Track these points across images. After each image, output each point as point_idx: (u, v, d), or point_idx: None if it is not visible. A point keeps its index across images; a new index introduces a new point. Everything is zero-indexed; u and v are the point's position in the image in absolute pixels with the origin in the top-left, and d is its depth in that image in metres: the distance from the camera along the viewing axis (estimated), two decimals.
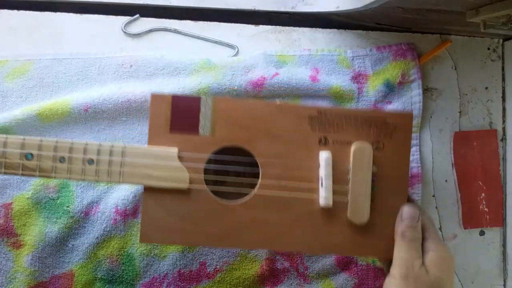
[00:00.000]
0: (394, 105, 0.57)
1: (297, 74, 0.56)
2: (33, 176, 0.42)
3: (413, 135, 0.57)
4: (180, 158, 0.43)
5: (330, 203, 0.43)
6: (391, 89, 0.57)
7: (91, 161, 0.42)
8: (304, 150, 0.44)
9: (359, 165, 0.44)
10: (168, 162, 0.42)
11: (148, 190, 0.43)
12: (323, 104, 0.56)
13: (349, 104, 0.57)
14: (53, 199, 0.52)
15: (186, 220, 0.43)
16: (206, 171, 0.44)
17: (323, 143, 0.44)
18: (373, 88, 0.57)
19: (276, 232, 0.44)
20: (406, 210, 0.43)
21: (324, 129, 0.45)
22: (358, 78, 0.58)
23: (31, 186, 0.51)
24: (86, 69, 0.54)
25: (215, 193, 0.44)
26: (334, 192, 0.44)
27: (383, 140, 0.45)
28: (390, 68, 0.58)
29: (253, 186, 0.45)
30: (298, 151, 0.44)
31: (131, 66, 0.54)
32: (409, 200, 0.45)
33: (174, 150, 0.43)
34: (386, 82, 0.57)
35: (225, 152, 0.45)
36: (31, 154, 0.42)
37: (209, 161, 0.44)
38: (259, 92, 0.55)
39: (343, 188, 0.44)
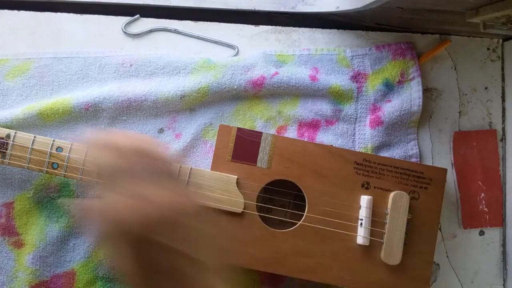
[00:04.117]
0: (394, 103, 0.57)
1: (297, 74, 0.56)
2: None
3: (412, 129, 0.58)
4: (238, 184, 0.48)
5: (368, 242, 0.48)
6: (390, 88, 0.57)
7: None
8: (347, 191, 0.50)
9: (396, 211, 0.49)
10: (228, 187, 0.48)
11: None
12: (322, 103, 0.56)
13: (348, 103, 0.57)
14: (54, 199, 0.52)
15: (236, 241, 0.48)
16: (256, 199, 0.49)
17: (365, 187, 0.50)
18: (372, 87, 0.57)
19: (316, 263, 0.48)
20: None
21: (368, 175, 0.50)
22: (357, 77, 0.58)
23: (32, 185, 0.51)
24: (86, 68, 0.54)
25: (261, 219, 0.49)
26: (371, 234, 0.49)
27: (418, 191, 0.50)
28: (390, 67, 0.58)
29: (295, 217, 0.50)
30: (342, 191, 0.50)
31: (131, 65, 0.55)
32: None
33: (234, 177, 0.48)
34: (386, 81, 0.57)
35: (275, 184, 0.50)
36: None
37: (261, 190, 0.49)
38: (259, 91, 0.55)
39: (379, 231, 0.49)
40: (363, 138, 0.57)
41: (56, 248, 0.51)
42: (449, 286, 0.58)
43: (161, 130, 0.54)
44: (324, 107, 0.56)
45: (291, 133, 0.56)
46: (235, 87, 0.54)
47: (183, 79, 0.54)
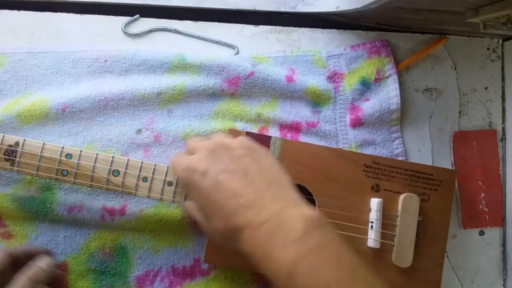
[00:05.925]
0: (372, 103, 0.57)
1: (273, 75, 0.56)
2: (116, 191, 0.46)
3: (394, 127, 0.58)
4: None
5: (378, 245, 0.48)
6: (367, 87, 0.58)
7: (170, 183, 0.47)
8: (357, 194, 0.50)
9: (407, 214, 0.49)
10: None
11: None
12: (301, 105, 0.57)
13: (326, 104, 0.57)
14: (35, 198, 0.50)
15: None
16: None
17: (375, 190, 0.50)
18: (349, 86, 0.58)
19: None
20: None
21: (377, 178, 0.50)
22: (333, 77, 0.58)
23: (12, 189, 0.50)
24: (60, 62, 0.54)
25: None
26: (382, 236, 0.49)
27: (428, 193, 0.50)
28: (365, 65, 0.58)
29: None
30: (352, 194, 0.50)
31: (105, 61, 0.54)
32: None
33: None
34: (362, 80, 0.57)
35: None
36: (118, 171, 0.47)
37: None
38: (235, 91, 0.55)
39: (390, 233, 0.49)
40: (346, 138, 0.57)
41: (48, 240, 0.51)
42: (449, 286, 0.58)
43: (139, 131, 0.54)
44: (303, 109, 0.57)
45: (273, 134, 0.56)
46: (211, 85, 0.54)
47: (159, 77, 0.54)
